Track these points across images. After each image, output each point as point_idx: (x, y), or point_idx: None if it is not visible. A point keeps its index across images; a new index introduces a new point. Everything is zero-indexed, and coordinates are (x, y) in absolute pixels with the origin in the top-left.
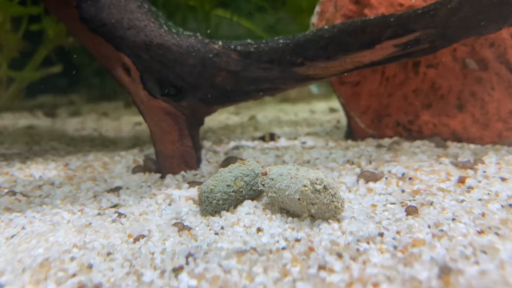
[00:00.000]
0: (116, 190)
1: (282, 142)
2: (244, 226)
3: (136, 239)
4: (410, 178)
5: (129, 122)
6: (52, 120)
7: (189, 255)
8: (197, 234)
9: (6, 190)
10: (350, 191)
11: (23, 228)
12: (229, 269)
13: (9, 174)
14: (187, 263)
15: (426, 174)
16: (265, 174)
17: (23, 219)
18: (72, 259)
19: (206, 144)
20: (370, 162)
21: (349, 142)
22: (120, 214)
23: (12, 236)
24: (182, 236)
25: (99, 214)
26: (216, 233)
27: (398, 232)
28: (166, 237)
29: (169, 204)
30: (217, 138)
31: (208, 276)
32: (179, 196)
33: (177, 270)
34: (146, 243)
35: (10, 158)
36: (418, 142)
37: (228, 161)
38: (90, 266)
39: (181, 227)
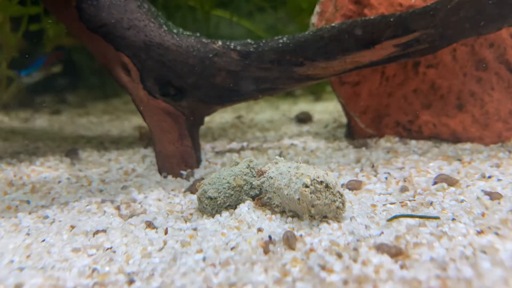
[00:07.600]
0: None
1: (283, 141)
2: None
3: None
4: (409, 179)
5: (131, 122)
6: (52, 120)
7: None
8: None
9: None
10: (350, 191)
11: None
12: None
13: (8, 174)
14: None
15: (426, 174)
16: (263, 173)
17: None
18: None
19: (206, 144)
20: (370, 162)
21: (349, 142)
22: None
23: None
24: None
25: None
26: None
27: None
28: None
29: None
30: (217, 138)
31: None
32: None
33: None
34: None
35: (9, 158)
36: (418, 142)
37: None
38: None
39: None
